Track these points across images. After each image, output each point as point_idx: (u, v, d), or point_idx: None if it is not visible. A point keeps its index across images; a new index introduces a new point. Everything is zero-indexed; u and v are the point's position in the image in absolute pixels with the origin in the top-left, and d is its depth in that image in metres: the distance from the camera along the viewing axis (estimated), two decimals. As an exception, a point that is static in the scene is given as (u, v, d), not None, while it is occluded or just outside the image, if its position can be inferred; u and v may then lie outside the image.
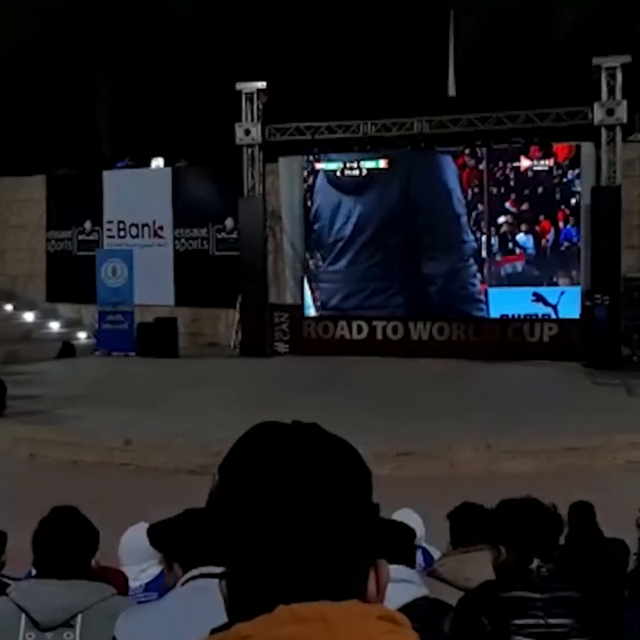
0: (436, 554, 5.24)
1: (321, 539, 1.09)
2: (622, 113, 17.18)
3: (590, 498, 5.91)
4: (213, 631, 1.13)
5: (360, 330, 19.47)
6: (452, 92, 18.79)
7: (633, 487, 9.20)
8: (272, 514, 1.09)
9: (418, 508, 5.52)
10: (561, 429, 11.82)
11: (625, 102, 17.17)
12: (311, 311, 19.32)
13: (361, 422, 10.49)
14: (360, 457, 1.18)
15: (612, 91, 17.22)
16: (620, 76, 17.10)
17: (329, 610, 1.07)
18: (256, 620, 1.07)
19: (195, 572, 2.57)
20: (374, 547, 1.16)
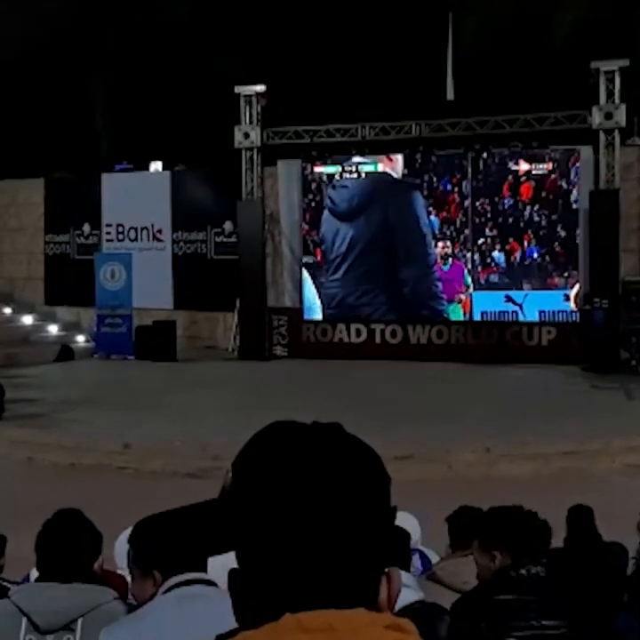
0: (433, 557, 5.24)
1: (336, 543, 1.07)
2: (621, 117, 17.18)
3: (589, 501, 5.90)
4: (219, 637, 1.12)
5: (359, 333, 19.48)
6: (450, 95, 18.80)
7: (631, 491, 9.21)
8: (286, 515, 1.07)
9: (416, 511, 5.51)
10: (559, 433, 11.82)
11: (623, 106, 17.17)
12: (317, 312, 20.07)
13: (359, 425, 10.45)
14: (380, 461, 1.15)
15: (610, 94, 17.22)
16: (618, 80, 17.10)
17: (335, 619, 1.05)
18: (262, 629, 1.06)
19: (179, 578, 2.53)
20: (388, 554, 1.14)
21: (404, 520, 5.07)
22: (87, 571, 3.17)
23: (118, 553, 4.87)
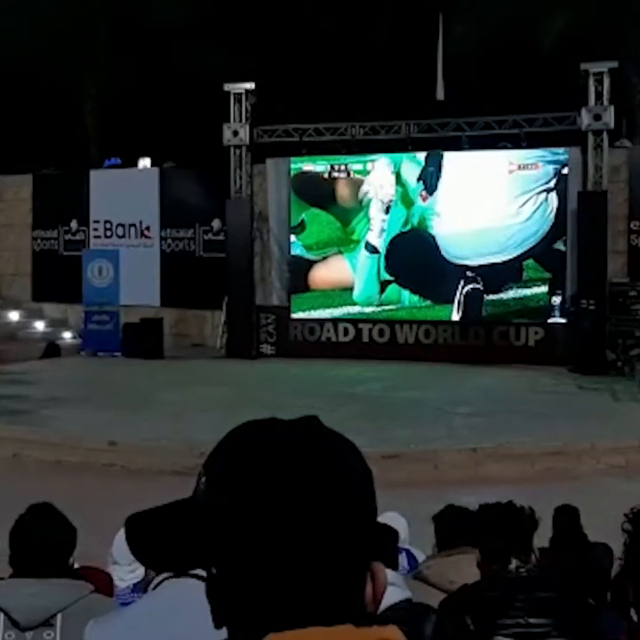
0: (420, 556, 5.24)
1: (318, 544, 1.03)
2: (609, 118, 17.22)
3: (574, 502, 5.92)
4: None
5: (346, 332, 19.48)
6: (440, 95, 18.84)
7: (616, 492, 9.24)
8: (264, 516, 1.03)
9: (403, 510, 5.52)
10: (546, 434, 11.85)
11: (612, 108, 17.21)
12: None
13: (346, 425, 10.47)
14: (360, 454, 1.11)
15: (599, 96, 17.25)
16: (607, 82, 17.13)
17: (322, 638, 1.02)
18: None
19: (168, 573, 2.51)
20: (372, 550, 1.10)
21: (393, 520, 5.08)
22: (62, 565, 3.15)
23: (116, 548, 4.84)
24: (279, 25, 21.45)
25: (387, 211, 19.35)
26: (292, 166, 19.78)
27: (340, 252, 19.70)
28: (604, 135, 17.35)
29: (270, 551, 1.03)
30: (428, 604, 3.17)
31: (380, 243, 19.48)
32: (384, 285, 19.51)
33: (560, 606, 3.20)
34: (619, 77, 17.51)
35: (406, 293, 19.39)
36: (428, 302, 19.27)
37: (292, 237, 20.00)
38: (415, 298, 19.35)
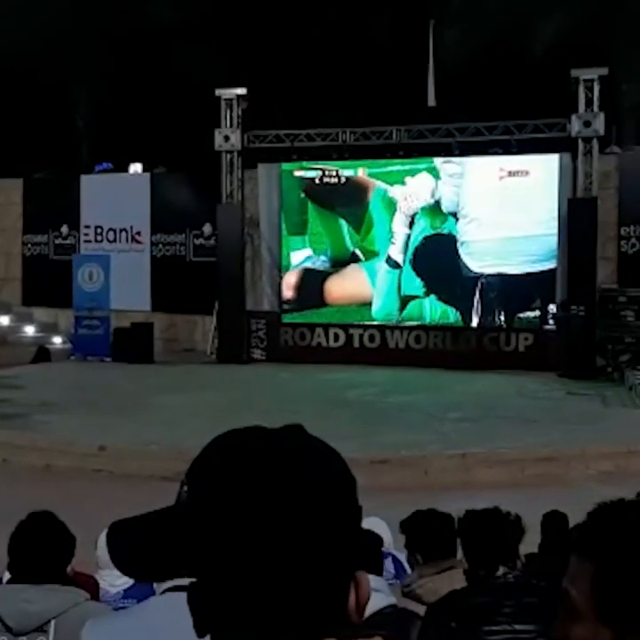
0: (405, 561, 5.24)
1: (301, 554, 1.02)
2: (599, 125, 17.28)
3: (563, 508, 5.93)
4: None
5: (337, 338, 19.48)
6: (431, 101, 18.87)
7: (605, 498, 9.26)
8: (247, 526, 1.02)
9: (391, 516, 5.51)
10: (535, 439, 11.88)
11: (602, 114, 17.28)
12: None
13: (335, 430, 10.47)
14: (344, 463, 1.10)
15: (589, 103, 17.32)
16: (597, 88, 17.20)
17: None
18: None
19: (175, 582, 2.51)
20: (355, 559, 1.09)
21: (374, 524, 5.07)
22: (60, 573, 3.16)
23: (101, 553, 4.81)
24: (271, 31, 21.44)
25: (410, 225, 19.18)
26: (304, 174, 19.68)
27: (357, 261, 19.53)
28: (594, 142, 17.40)
29: (252, 561, 1.02)
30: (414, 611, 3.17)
31: (401, 258, 19.18)
32: (405, 301, 19.20)
33: (547, 612, 3.20)
34: (609, 84, 17.55)
35: (428, 310, 19.05)
36: (452, 320, 18.93)
37: (308, 251, 19.86)
38: (437, 314, 19.02)
